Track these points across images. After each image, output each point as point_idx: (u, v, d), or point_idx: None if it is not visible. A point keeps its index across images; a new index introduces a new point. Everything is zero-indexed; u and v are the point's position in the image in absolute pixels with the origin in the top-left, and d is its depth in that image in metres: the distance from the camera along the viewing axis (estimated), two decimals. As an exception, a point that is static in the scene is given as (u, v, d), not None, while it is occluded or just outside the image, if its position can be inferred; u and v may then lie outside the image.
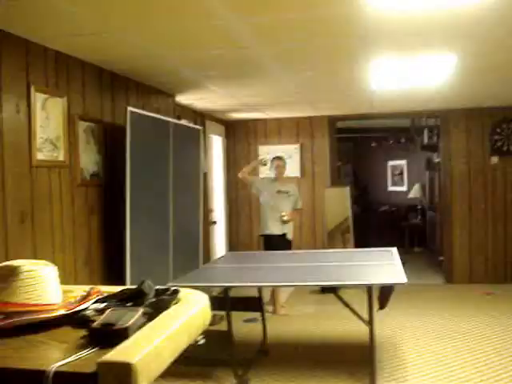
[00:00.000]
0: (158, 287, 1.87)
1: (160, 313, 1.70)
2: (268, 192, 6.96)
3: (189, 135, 6.05)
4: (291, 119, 8.87)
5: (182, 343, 1.68)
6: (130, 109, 4.63)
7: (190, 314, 1.77)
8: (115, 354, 1.38)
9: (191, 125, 6.71)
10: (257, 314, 5.83)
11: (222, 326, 5.02)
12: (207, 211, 7.64)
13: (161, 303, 1.75)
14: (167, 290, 1.87)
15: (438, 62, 4.86)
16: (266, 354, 5.36)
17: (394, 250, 5.72)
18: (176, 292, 1.86)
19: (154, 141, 5.19)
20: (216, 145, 8.71)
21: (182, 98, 6.56)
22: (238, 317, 6.03)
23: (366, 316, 4.43)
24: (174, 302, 1.81)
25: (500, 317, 6.43)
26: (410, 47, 4.35)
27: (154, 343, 1.49)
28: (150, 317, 1.66)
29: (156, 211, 5.19)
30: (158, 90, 5.88)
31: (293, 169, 8.65)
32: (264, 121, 8.97)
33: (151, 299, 1.78)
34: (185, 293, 1.93)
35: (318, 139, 8.88)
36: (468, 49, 4.42)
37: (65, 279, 4.03)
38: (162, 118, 5.42)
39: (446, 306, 7.04)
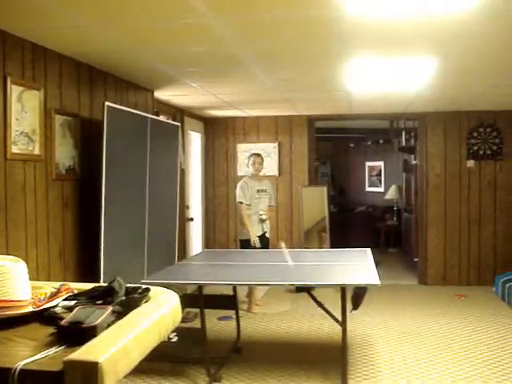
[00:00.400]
0: (128, 285, 1.86)
1: (130, 311, 1.70)
2: (250, 194, 6.96)
3: (167, 131, 6.02)
4: (270, 118, 8.87)
5: (152, 342, 1.68)
6: (107, 103, 4.59)
7: (159, 313, 1.77)
8: (82, 353, 1.38)
9: (169, 121, 6.68)
10: (231, 312, 5.84)
11: (197, 324, 5.01)
12: (184, 208, 7.63)
13: (131, 302, 1.75)
14: (138, 288, 1.86)
15: (417, 66, 4.90)
16: (240, 351, 5.36)
17: (369, 250, 5.77)
18: (146, 290, 1.86)
19: (132, 136, 5.16)
20: (195, 141, 8.69)
21: (161, 94, 6.54)
22: (212, 314, 6.04)
23: (339, 316, 4.46)
24: (144, 300, 1.81)
25: (471, 319, 6.52)
26: (387, 51, 4.38)
27: (122, 342, 1.48)
28: (119, 315, 1.65)
29: (132, 207, 5.16)
30: (137, 85, 5.85)
31: (271, 167, 8.68)
32: (243, 119, 8.96)
33: (121, 297, 1.78)
34: (155, 291, 1.93)
35: (296, 138, 8.90)
36: (447, 53, 4.46)
37: (38, 274, 4.02)
38: (140, 113, 5.39)
39: (419, 308, 7.11)
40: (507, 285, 7.32)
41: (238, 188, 7.05)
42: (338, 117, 8.96)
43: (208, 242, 9.02)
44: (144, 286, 1.90)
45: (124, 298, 1.79)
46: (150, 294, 1.91)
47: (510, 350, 5.39)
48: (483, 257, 8.44)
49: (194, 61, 4.78)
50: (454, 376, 4.71)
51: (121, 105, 5.08)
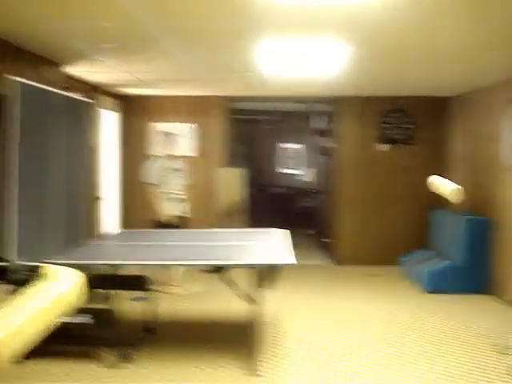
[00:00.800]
0: (25, 263, 1.78)
1: (24, 289, 1.62)
2: (162, 173, 6.85)
3: (77, 108, 5.80)
4: (187, 98, 8.78)
5: (49, 321, 1.60)
6: (6, 76, 4.35)
7: (58, 292, 1.69)
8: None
9: (81, 97, 6.45)
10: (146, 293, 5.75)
11: (111, 305, 4.93)
12: (94, 187, 7.40)
13: (27, 280, 1.67)
14: (34, 266, 1.78)
15: (330, 51, 4.95)
16: (154, 332, 5.31)
17: (285, 230, 5.82)
18: (41, 268, 1.77)
19: (37, 112, 4.91)
20: (109, 120, 8.46)
21: (73, 69, 6.30)
22: (126, 295, 5.94)
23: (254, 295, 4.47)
24: (41, 278, 1.73)
25: (379, 297, 6.77)
26: (297, 34, 4.40)
27: (14, 321, 1.41)
28: (12, 293, 1.57)
29: (38, 185, 4.94)
30: (45, 59, 5.58)
31: (188, 148, 8.60)
32: (160, 98, 8.81)
33: (17, 276, 1.69)
34: (55, 270, 1.84)
35: (213, 119, 8.86)
36: (360, 38, 4.52)
37: None
38: (47, 88, 5.13)
39: (332, 287, 7.31)
40: (412, 263, 7.65)
41: (147, 167, 6.94)
42: (254, 98, 8.98)
43: (124, 223, 8.82)
44: (40, 264, 1.81)
45: (20, 276, 1.70)
46: (50, 272, 1.82)
47: (411, 325, 5.62)
48: (394, 237, 8.72)
49: (106, 36, 4.63)
50: (359, 351, 4.87)
51: (26, 79, 4.82)
